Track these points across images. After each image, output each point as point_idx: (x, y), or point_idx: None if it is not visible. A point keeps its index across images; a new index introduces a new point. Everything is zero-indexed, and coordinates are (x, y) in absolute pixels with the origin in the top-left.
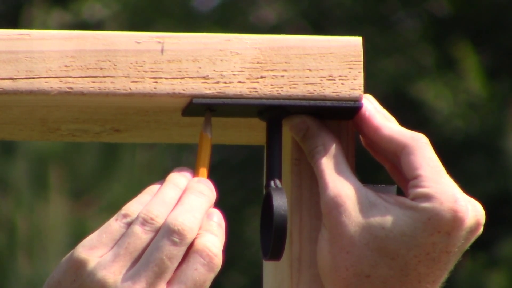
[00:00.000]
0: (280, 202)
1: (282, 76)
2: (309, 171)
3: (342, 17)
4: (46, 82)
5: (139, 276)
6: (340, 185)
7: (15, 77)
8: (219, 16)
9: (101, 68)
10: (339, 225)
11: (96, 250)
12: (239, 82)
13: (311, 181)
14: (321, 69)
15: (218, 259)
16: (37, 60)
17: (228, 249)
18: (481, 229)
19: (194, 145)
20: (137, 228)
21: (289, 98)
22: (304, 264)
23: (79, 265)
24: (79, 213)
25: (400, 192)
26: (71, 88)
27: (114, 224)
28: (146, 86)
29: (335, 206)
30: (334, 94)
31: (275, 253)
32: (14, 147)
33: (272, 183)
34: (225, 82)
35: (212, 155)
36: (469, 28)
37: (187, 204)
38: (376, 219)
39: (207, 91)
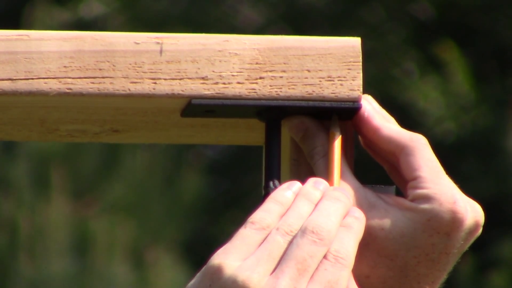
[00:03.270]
0: None
1: (281, 77)
2: (308, 171)
3: (323, 21)
4: (45, 83)
5: (282, 272)
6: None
7: (14, 78)
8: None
9: (100, 69)
10: None
11: (231, 255)
12: (238, 82)
13: None
14: (320, 70)
15: (347, 260)
16: (36, 60)
17: None
18: (480, 230)
19: (194, 146)
20: (278, 238)
21: (288, 99)
22: None
23: (215, 270)
24: (80, 213)
25: (399, 193)
26: (70, 89)
27: (245, 231)
28: (145, 87)
29: None
30: (333, 95)
31: None
32: (16, 147)
33: (271, 183)
34: (224, 83)
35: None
36: (455, 30)
37: (323, 210)
38: (376, 220)
39: (206, 92)
